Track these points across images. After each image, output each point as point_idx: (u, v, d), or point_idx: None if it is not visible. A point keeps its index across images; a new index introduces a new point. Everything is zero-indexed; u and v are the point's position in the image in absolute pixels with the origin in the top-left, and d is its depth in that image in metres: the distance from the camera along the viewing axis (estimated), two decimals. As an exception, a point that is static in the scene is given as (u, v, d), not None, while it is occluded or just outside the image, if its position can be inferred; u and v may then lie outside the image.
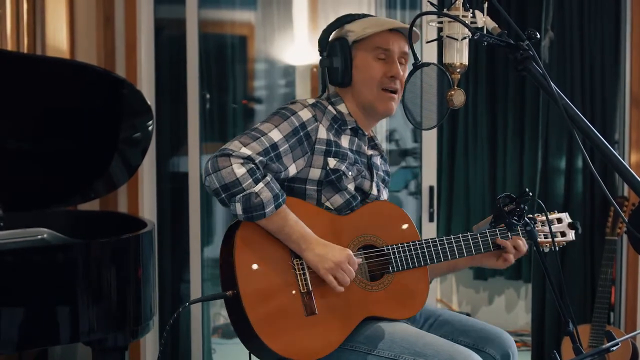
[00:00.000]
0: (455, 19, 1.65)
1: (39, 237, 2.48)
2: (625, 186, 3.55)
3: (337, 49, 2.06)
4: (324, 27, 2.13)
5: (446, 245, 2.05)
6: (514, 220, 1.84)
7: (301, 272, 1.93)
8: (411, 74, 1.78)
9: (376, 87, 2.06)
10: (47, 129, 2.84)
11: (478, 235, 2.08)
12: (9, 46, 3.20)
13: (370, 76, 2.05)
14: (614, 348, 1.56)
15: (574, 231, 2.14)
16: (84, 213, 3.28)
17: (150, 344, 3.49)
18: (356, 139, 2.10)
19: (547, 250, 2.13)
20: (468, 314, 4.61)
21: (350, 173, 2.03)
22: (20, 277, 2.28)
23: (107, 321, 2.41)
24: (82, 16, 3.37)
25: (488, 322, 2.16)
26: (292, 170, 1.98)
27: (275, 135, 1.94)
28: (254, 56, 4.33)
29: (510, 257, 2.09)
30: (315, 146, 2.00)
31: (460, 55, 1.72)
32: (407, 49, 2.09)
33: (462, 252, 2.07)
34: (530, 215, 1.98)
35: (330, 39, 2.10)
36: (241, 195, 1.86)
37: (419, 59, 1.75)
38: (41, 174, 2.90)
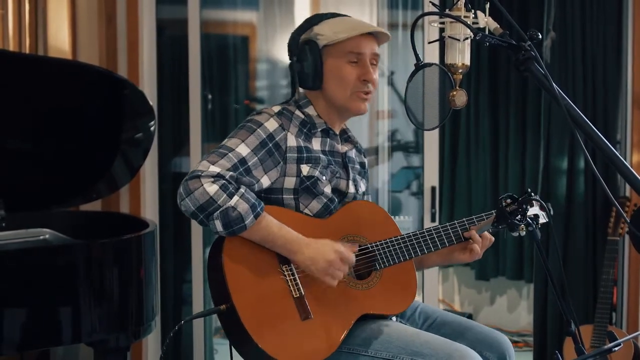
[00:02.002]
0: (457, 19, 1.65)
1: (41, 237, 2.49)
2: (627, 186, 3.54)
3: (307, 53, 2.03)
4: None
5: (427, 237, 2.04)
6: (515, 221, 1.84)
7: (291, 277, 1.92)
8: (413, 74, 1.78)
9: (350, 91, 2.04)
10: (49, 130, 2.85)
11: (465, 221, 2.05)
12: (11, 46, 3.20)
13: (343, 81, 2.03)
14: (616, 348, 1.56)
15: (544, 212, 2.02)
16: (86, 213, 3.28)
17: (152, 344, 3.48)
18: (328, 139, 2.10)
19: (523, 234, 1.93)
20: (470, 315, 4.60)
21: (324, 177, 2.02)
22: (22, 278, 2.28)
23: (109, 322, 2.41)
24: (84, 16, 3.38)
25: (490, 322, 2.15)
26: (265, 181, 1.96)
27: (243, 149, 1.93)
28: (256, 56, 4.33)
29: (475, 247, 2.06)
30: (287, 155, 1.98)
31: (462, 56, 1.72)
32: (377, 50, 2.08)
33: (442, 243, 2.04)
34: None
35: (299, 42, 2.06)
36: (218, 212, 1.85)
37: (421, 59, 1.75)
38: (43, 174, 2.90)
